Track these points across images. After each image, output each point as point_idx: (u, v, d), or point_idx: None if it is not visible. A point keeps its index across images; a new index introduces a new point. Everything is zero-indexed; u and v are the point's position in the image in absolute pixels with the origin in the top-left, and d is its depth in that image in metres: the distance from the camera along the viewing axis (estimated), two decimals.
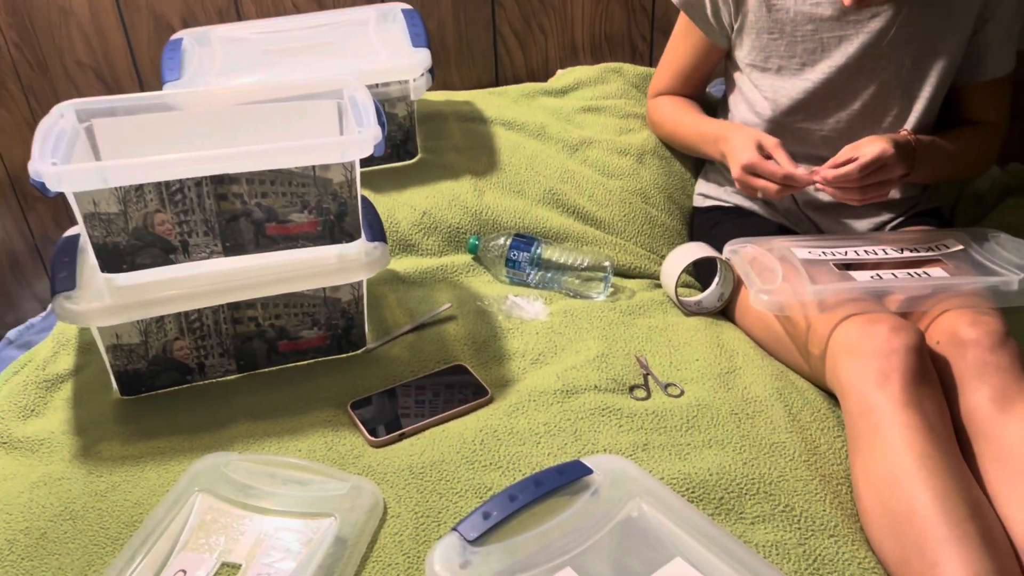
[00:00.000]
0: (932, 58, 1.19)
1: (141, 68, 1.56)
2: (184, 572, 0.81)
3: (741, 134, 1.18)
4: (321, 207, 1.02)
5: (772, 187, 1.11)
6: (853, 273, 1.09)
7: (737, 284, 1.21)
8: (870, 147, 1.08)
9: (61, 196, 0.94)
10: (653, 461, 0.94)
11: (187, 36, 1.37)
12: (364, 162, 1.03)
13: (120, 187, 0.94)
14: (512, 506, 0.70)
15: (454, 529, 0.69)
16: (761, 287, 1.05)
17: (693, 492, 0.90)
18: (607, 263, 1.25)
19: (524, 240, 1.26)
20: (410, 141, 1.39)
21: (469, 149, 1.43)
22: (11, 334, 1.24)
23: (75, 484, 0.93)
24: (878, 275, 1.07)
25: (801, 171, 1.10)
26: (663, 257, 1.32)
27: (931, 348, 0.99)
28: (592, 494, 0.74)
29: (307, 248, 1.04)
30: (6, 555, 0.85)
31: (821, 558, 0.85)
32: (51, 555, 0.85)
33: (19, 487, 0.93)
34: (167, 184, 0.95)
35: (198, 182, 0.96)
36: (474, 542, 0.68)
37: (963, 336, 0.96)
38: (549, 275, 1.25)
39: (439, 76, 1.64)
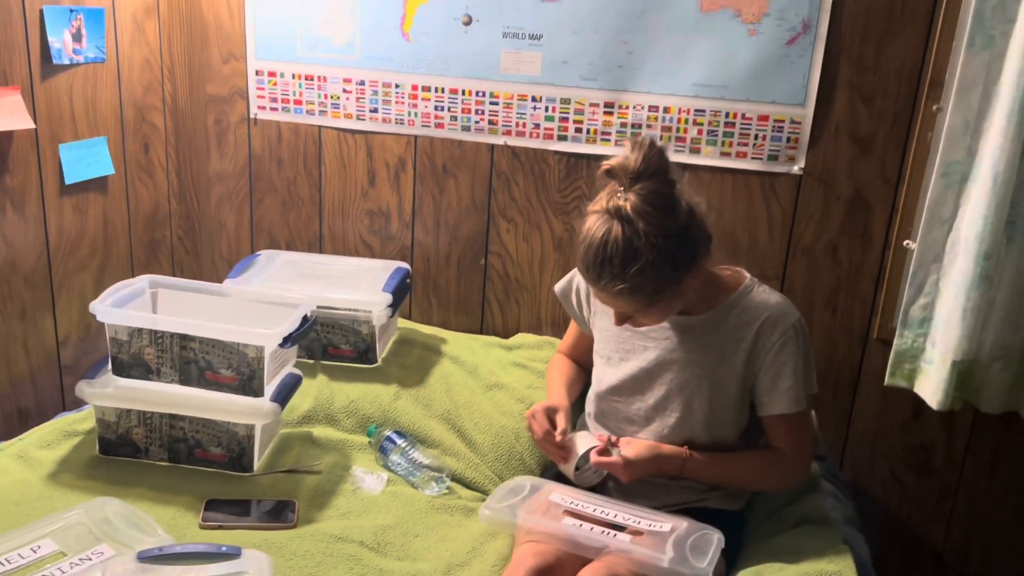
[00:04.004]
0: (709, 383, 1.53)
1: None
2: (39, 546, 1.36)
3: (548, 401, 1.62)
4: (239, 369, 1.61)
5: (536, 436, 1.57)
6: (569, 519, 1.43)
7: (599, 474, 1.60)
8: (627, 451, 1.50)
9: None
10: None
11: (264, 254, 2.10)
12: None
13: (130, 327, 1.60)
14: (177, 549, 1.17)
15: (137, 553, 1.17)
16: (486, 505, 1.43)
17: None
18: (445, 470, 1.68)
19: (396, 436, 1.74)
20: (370, 351, 1.96)
21: (413, 368, 1.97)
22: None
23: (33, 489, 1.54)
24: (579, 524, 1.41)
25: (556, 436, 1.55)
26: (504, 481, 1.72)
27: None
28: (235, 563, 1.18)
29: (227, 394, 1.62)
30: None
31: None
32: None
33: (9, 480, 1.55)
34: (154, 332, 1.60)
35: (172, 335, 1.60)
36: (140, 559, 1.15)
37: None
38: (403, 465, 1.71)
39: (440, 316, 2.22)
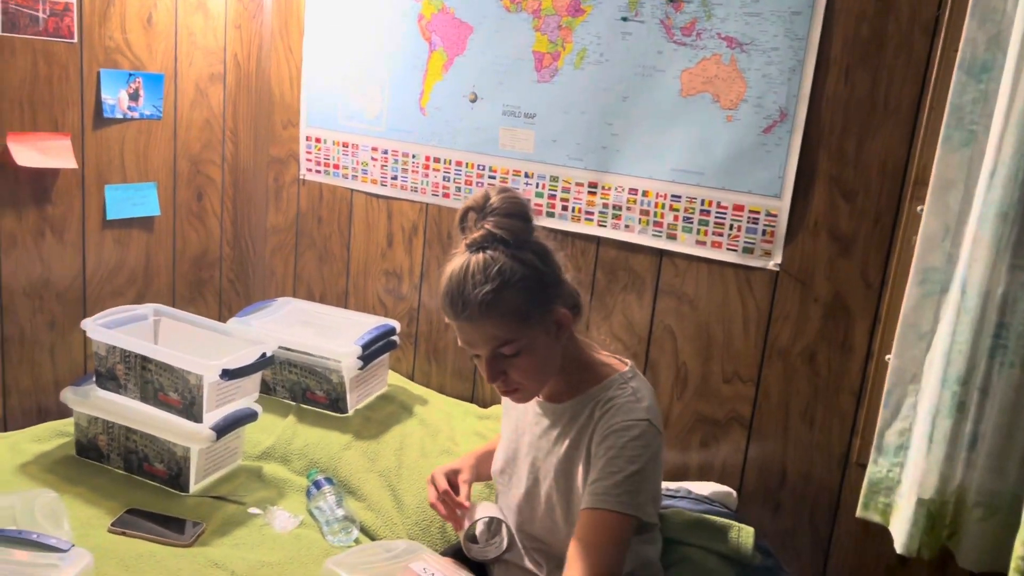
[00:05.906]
0: (564, 477, 1.42)
1: None
2: None
3: (451, 464, 1.61)
4: (184, 394, 1.76)
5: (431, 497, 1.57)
6: None
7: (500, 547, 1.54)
8: None
9: None
10: None
11: (279, 300, 2.28)
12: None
13: (109, 344, 1.81)
14: (11, 534, 1.30)
15: None
16: (332, 559, 1.44)
17: None
18: (356, 522, 1.71)
19: (324, 482, 1.79)
20: (341, 400, 2.04)
21: (377, 422, 2.02)
22: None
23: (5, 473, 1.77)
24: None
25: (460, 498, 1.54)
26: None
27: None
28: (59, 556, 1.29)
29: (173, 415, 1.78)
30: None
31: None
32: None
33: None
34: (124, 351, 1.80)
35: (136, 356, 1.79)
36: None
37: None
38: (323, 511, 1.75)
39: (438, 380, 2.26)
